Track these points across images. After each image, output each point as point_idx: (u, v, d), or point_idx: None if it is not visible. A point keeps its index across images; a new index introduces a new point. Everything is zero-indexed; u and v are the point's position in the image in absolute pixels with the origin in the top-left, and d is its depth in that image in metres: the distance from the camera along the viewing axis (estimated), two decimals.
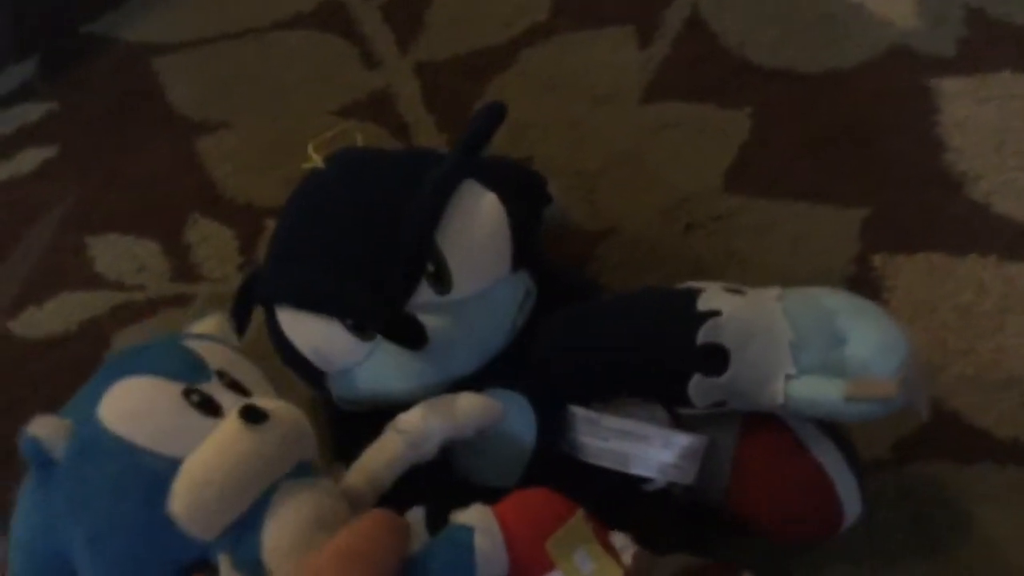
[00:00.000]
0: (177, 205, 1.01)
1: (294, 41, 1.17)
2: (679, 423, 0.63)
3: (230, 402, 0.57)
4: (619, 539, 0.59)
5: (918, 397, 0.59)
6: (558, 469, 0.63)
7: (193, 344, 0.62)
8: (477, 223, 0.67)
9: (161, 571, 0.54)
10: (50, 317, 0.95)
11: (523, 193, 0.74)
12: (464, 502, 0.55)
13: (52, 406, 0.59)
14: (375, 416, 0.64)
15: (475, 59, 1.08)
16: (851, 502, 0.62)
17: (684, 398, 0.60)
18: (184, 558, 0.54)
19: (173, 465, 0.54)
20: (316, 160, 0.73)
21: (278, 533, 0.54)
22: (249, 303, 0.73)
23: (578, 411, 0.63)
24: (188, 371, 0.59)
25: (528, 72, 1.05)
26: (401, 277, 0.65)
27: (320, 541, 0.53)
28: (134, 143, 1.10)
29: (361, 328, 0.66)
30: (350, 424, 0.69)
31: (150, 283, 0.95)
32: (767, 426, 0.62)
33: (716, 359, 0.59)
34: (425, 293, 0.66)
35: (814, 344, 0.58)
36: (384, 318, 0.63)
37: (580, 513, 0.54)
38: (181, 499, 0.53)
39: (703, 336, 0.59)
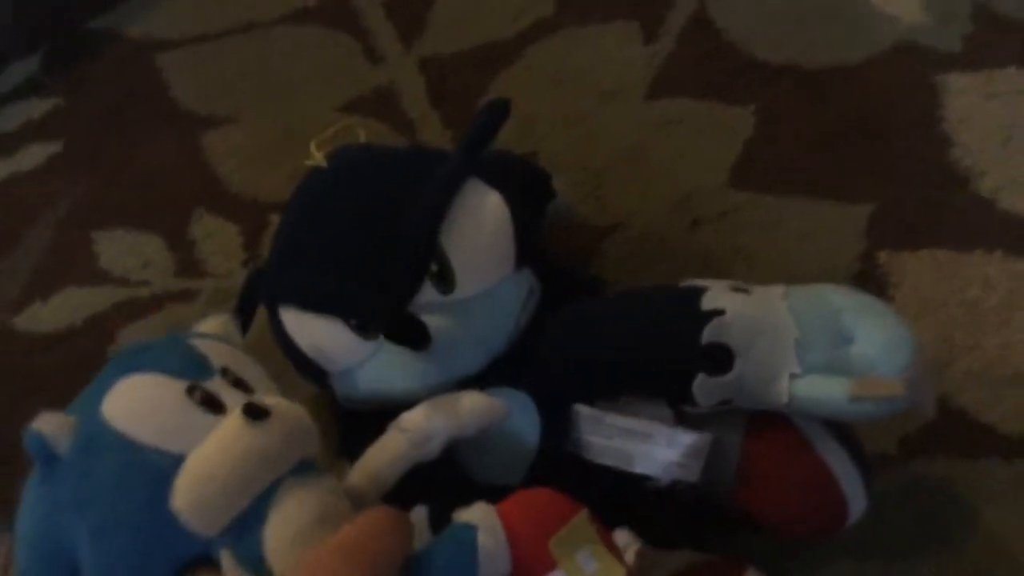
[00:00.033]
0: (182, 200, 1.01)
1: (298, 36, 1.17)
2: (684, 421, 0.63)
3: (233, 400, 0.57)
4: (623, 536, 0.59)
5: (924, 396, 0.59)
6: (562, 467, 0.63)
7: (197, 342, 0.62)
8: (481, 223, 0.67)
9: (164, 566, 0.54)
10: (55, 312, 0.95)
11: (527, 190, 0.73)
12: (467, 501, 0.54)
13: (56, 401, 0.59)
14: (380, 414, 0.63)
15: (480, 54, 1.08)
16: (856, 499, 0.61)
17: (689, 397, 0.60)
18: (187, 554, 0.54)
19: (176, 462, 0.54)
20: (318, 158, 0.73)
21: (280, 530, 0.54)
22: (253, 301, 0.73)
23: (582, 409, 0.63)
24: (192, 369, 0.59)
25: (533, 67, 1.05)
26: (404, 277, 0.65)
27: (322, 538, 0.53)
28: (139, 139, 1.10)
29: (364, 328, 0.66)
30: (355, 422, 0.69)
31: (155, 278, 0.95)
32: (773, 424, 0.61)
33: (721, 359, 0.59)
34: (428, 293, 0.65)
35: (819, 343, 0.58)
36: (387, 319, 0.63)
37: (584, 513, 0.53)
38: (183, 495, 0.53)
39: (707, 336, 0.59)
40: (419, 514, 0.57)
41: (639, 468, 0.62)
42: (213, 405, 0.57)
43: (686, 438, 0.61)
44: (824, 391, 0.57)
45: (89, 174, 1.08)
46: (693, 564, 0.63)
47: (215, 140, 1.07)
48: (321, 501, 0.55)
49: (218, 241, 0.97)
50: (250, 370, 0.62)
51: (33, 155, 1.12)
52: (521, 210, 0.69)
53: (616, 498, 0.61)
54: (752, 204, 0.88)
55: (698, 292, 0.61)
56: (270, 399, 0.57)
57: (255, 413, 0.54)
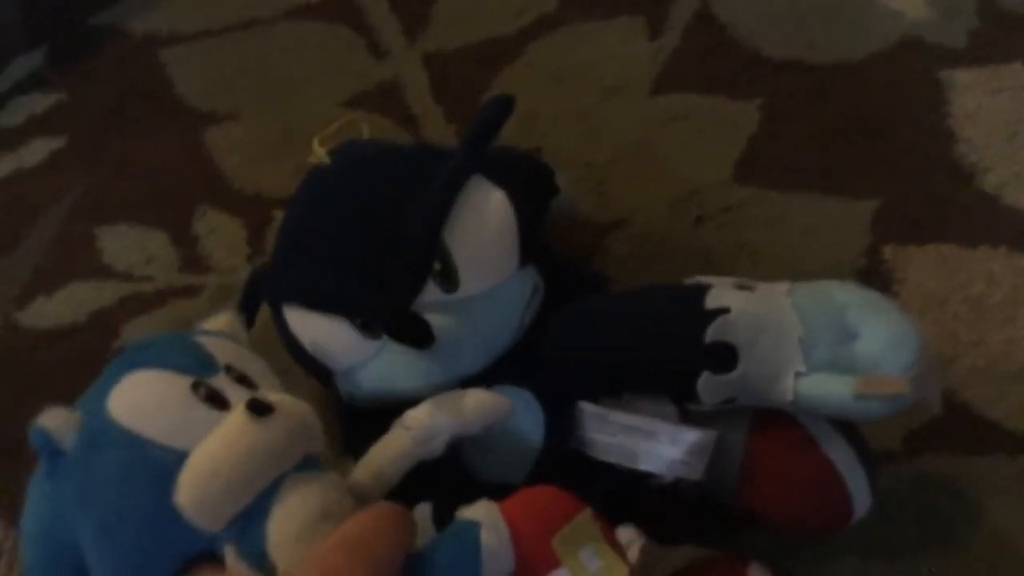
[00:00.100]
0: (185, 196, 1.01)
1: (301, 32, 1.17)
2: (688, 419, 0.63)
3: (238, 396, 0.57)
4: (627, 532, 0.59)
5: (929, 392, 0.58)
6: (566, 465, 0.63)
7: (202, 339, 0.62)
8: (485, 221, 0.67)
9: (168, 562, 0.54)
10: (59, 308, 0.95)
11: (531, 187, 0.73)
12: (471, 498, 0.54)
13: (61, 397, 0.59)
14: (384, 412, 0.63)
15: (484, 50, 1.08)
16: (861, 496, 0.61)
17: (693, 395, 0.60)
18: (190, 549, 0.54)
19: (181, 458, 0.54)
20: (321, 155, 0.73)
21: (284, 525, 0.54)
22: (256, 297, 0.73)
23: (586, 407, 0.63)
24: (197, 365, 0.59)
25: (537, 63, 1.05)
26: (408, 276, 0.64)
27: (326, 534, 0.52)
28: (142, 134, 1.10)
29: (368, 327, 0.66)
30: (360, 419, 0.69)
31: (159, 274, 0.95)
32: (777, 421, 0.61)
33: (725, 357, 0.59)
34: (432, 292, 0.65)
35: (824, 340, 0.58)
36: (391, 318, 0.63)
37: (587, 511, 0.53)
38: (187, 491, 0.53)
39: (712, 334, 0.59)
40: (423, 511, 0.57)
41: (643, 465, 0.62)
42: (218, 401, 0.57)
43: (690, 436, 0.61)
44: (829, 389, 0.57)
45: (92, 169, 1.08)
46: (697, 561, 0.63)
47: (218, 136, 1.07)
48: (325, 497, 0.55)
49: (222, 237, 0.97)
50: (255, 367, 0.62)
51: (36, 150, 1.12)
52: (525, 207, 0.69)
53: (620, 495, 0.61)
54: (756, 200, 0.87)
55: (702, 290, 0.61)
56: (274, 395, 0.57)
57: (259, 409, 0.54)
